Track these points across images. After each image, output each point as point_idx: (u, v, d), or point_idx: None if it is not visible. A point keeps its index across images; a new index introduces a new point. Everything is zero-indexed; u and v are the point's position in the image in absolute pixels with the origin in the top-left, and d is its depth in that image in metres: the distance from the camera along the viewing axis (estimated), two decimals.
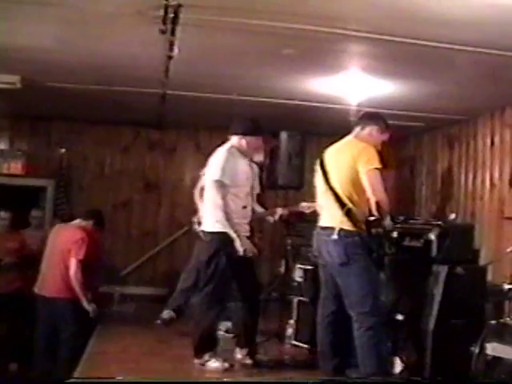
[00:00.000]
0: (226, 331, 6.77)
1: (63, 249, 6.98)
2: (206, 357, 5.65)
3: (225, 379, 5.47)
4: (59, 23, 5.42)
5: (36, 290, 7.09)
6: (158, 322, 7.03)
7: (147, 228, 10.44)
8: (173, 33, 5.17)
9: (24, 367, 7.75)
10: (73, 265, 6.86)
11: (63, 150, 10.16)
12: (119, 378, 4.95)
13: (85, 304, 6.88)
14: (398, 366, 5.62)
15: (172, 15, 4.79)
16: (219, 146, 6.05)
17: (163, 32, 5.03)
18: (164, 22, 4.89)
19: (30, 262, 8.26)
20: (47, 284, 7.05)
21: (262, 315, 6.18)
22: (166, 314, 7.07)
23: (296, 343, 6.79)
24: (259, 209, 6.24)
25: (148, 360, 5.99)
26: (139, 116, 9.64)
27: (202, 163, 6.30)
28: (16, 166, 9.88)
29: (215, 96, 7.69)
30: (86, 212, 7.69)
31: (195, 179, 6.86)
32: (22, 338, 7.87)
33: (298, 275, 6.96)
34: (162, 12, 4.77)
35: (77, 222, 7.38)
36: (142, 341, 6.83)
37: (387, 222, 5.37)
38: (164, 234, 10.48)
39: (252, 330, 6.02)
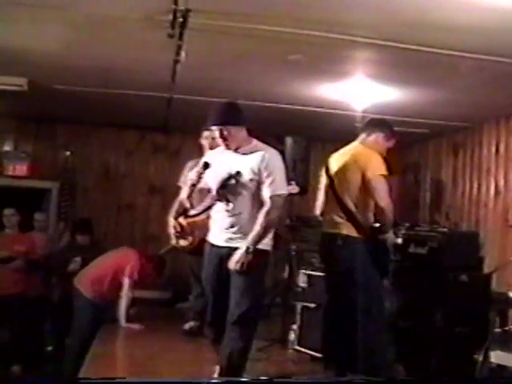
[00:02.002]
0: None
1: None
2: None
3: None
4: (67, 27, 5.43)
5: None
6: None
7: (151, 231, 10.43)
8: (180, 37, 5.19)
9: (27, 370, 7.76)
10: None
11: (68, 153, 10.16)
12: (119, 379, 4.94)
13: None
14: (402, 373, 5.62)
15: (181, 20, 4.81)
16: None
17: (171, 36, 5.05)
18: (172, 27, 4.90)
19: (35, 264, 8.29)
20: None
21: (265, 320, 6.17)
22: (187, 325, 7.12)
23: (299, 348, 6.79)
24: None
25: (151, 363, 5.98)
26: (144, 119, 9.65)
27: None
28: (21, 168, 9.89)
29: (221, 101, 7.67)
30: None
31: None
32: (25, 340, 7.88)
33: (301, 281, 6.96)
34: (170, 16, 4.78)
35: None
36: (146, 344, 6.83)
37: (390, 235, 5.39)
38: (168, 238, 10.45)
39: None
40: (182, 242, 6.94)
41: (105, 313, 7.43)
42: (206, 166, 5.15)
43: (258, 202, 4.97)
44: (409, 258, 6.09)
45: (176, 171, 10.51)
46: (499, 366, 5.00)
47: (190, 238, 6.86)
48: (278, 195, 4.95)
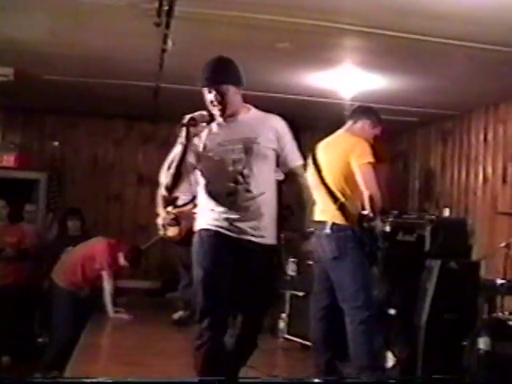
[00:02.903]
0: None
1: None
2: None
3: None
4: (53, 15, 5.41)
5: None
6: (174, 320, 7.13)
7: (140, 221, 10.41)
8: (167, 26, 5.17)
9: (17, 361, 7.75)
10: None
11: (56, 143, 10.14)
12: (118, 379, 4.94)
13: None
14: (390, 361, 5.63)
15: (166, 8, 4.79)
16: None
17: (158, 25, 5.03)
18: (159, 15, 4.88)
19: (25, 255, 8.28)
20: None
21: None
22: (177, 315, 7.11)
23: (288, 337, 6.79)
24: None
25: (140, 353, 5.98)
26: (132, 109, 9.62)
27: None
28: (8, 159, 9.85)
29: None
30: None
31: None
32: (16, 331, 7.88)
33: (290, 269, 6.96)
34: (156, 5, 4.77)
35: None
36: (135, 334, 6.83)
37: (378, 223, 5.39)
38: (157, 228, 10.44)
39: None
40: (170, 233, 6.96)
41: (85, 303, 7.38)
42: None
43: (274, 180, 4.24)
44: (397, 246, 6.08)
45: (165, 161, 10.48)
46: (487, 352, 5.02)
47: (178, 229, 6.87)
48: (302, 165, 4.34)
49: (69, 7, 5.14)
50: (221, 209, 4.04)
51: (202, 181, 4.17)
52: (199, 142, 4.10)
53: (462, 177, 8.58)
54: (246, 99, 4.22)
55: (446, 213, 7.44)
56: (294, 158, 4.21)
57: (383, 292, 5.87)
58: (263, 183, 4.09)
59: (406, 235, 6.11)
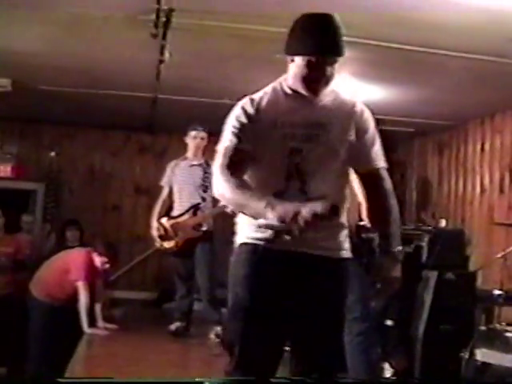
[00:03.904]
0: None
1: None
2: None
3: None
4: (50, 27, 5.41)
5: None
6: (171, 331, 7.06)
7: (137, 232, 10.38)
8: (164, 37, 5.18)
9: (13, 372, 7.71)
10: None
11: (53, 154, 10.13)
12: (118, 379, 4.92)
13: None
14: (388, 372, 5.62)
15: (164, 19, 4.80)
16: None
17: (155, 36, 5.03)
18: (156, 26, 4.89)
19: (22, 266, 8.25)
20: None
21: None
22: (173, 326, 7.06)
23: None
24: None
25: (136, 364, 5.95)
26: (130, 120, 9.62)
27: None
28: (5, 169, 9.85)
29: (206, 100, 7.68)
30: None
31: None
32: (11, 343, 7.84)
33: None
34: (153, 16, 4.77)
35: None
36: (132, 345, 6.80)
37: (375, 234, 5.39)
38: (153, 239, 10.43)
39: None
40: (166, 244, 6.95)
41: (63, 316, 7.21)
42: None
43: (346, 180, 3.31)
44: None
45: (162, 171, 10.48)
46: (484, 363, 5.01)
47: (175, 240, 6.85)
48: (385, 168, 3.33)
49: (66, 18, 5.15)
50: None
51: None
52: (256, 116, 3.16)
53: (459, 187, 8.58)
54: None
55: (443, 223, 7.46)
56: (378, 158, 3.28)
57: (381, 303, 5.87)
58: (326, 184, 3.11)
59: (403, 246, 6.11)
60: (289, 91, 3.24)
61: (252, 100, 3.23)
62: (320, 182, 3.10)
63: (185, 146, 7.39)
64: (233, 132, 3.16)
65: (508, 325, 5.30)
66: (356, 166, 3.27)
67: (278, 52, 5.69)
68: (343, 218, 3.22)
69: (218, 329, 6.66)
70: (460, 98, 7.15)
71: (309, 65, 3.08)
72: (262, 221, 2.99)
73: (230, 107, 3.22)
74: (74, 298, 7.04)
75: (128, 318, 8.06)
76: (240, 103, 3.22)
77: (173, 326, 7.02)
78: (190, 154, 7.19)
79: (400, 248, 3.42)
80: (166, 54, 5.64)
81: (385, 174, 3.31)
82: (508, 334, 5.03)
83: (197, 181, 6.97)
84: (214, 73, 6.66)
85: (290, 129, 3.11)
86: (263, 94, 3.26)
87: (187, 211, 6.91)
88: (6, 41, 5.81)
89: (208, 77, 6.81)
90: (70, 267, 7.03)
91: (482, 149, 8.07)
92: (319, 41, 3.10)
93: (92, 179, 10.50)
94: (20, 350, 7.36)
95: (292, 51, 3.20)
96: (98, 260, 7.06)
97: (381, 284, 3.74)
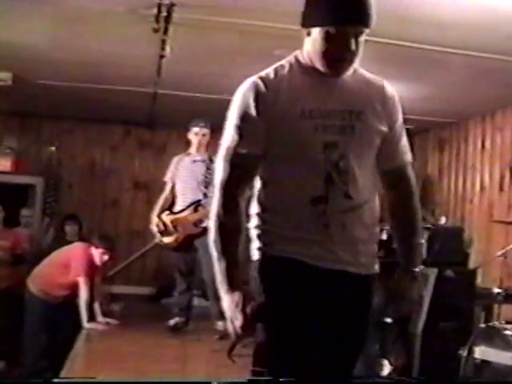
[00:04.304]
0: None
1: None
2: None
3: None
4: (51, 21, 5.40)
5: None
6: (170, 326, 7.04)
7: (136, 227, 10.39)
8: (165, 32, 5.16)
9: (12, 365, 7.71)
10: None
11: (53, 148, 10.12)
12: (118, 379, 4.91)
13: None
14: (386, 369, 5.62)
15: (165, 14, 4.78)
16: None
17: (156, 31, 5.02)
18: (157, 21, 4.87)
19: (20, 260, 8.25)
20: None
21: None
22: (172, 321, 7.05)
23: None
24: None
25: (135, 360, 5.95)
26: (130, 115, 9.62)
27: None
28: (5, 164, 9.84)
29: (207, 96, 7.67)
30: None
31: None
32: (10, 336, 7.84)
33: None
34: (154, 11, 4.76)
35: None
36: (130, 340, 6.80)
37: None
38: (152, 234, 10.41)
39: None
40: (166, 240, 6.94)
41: (59, 312, 7.21)
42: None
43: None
44: (393, 254, 6.07)
45: (161, 167, 10.47)
46: (484, 361, 5.00)
47: (174, 236, 6.84)
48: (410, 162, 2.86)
49: (67, 13, 5.13)
50: (300, 225, 2.55)
51: (266, 175, 2.62)
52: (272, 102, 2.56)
53: (459, 185, 8.57)
54: None
55: (443, 221, 7.45)
56: (406, 150, 2.84)
57: (380, 300, 5.86)
58: (366, 186, 2.62)
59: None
60: (310, 71, 2.63)
61: (264, 80, 2.60)
62: (361, 184, 2.59)
63: (184, 142, 7.39)
64: (240, 127, 2.56)
65: (507, 323, 5.28)
66: (382, 163, 2.74)
67: (278, 47, 5.73)
68: (372, 227, 2.73)
69: (220, 323, 6.64)
70: (460, 95, 7.14)
71: (328, 37, 2.53)
72: (290, 231, 2.56)
73: (229, 103, 2.75)
74: (70, 295, 7.05)
75: (127, 313, 8.04)
76: (247, 84, 2.63)
77: (172, 321, 7.02)
78: (193, 149, 7.18)
79: (421, 268, 2.98)
80: (167, 49, 5.62)
81: (411, 172, 2.82)
82: (507, 332, 5.01)
83: (199, 177, 6.96)
84: (215, 68, 6.65)
85: (321, 119, 2.53)
86: (277, 73, 2.65)
87: (188, 207, 6.90)
88: (6, 34, 5.80)
89: (208, 72, 6.80)
90: (70, 263, 7.02)
91: (483, 146, 8.06)
92: (340, 8, 2.54)
93: (91, 174, 10.49)
94: (18, 344, 7.36)
95: (308, 22, 2.61)
96: (97, 254, 7.06)
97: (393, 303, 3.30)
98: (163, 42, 5.48)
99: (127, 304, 8.80)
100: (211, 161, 6.66)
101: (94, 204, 10.30)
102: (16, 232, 8.75)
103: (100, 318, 7.13)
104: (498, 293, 5.68)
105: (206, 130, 7.09)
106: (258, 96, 2.56)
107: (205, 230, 6.88)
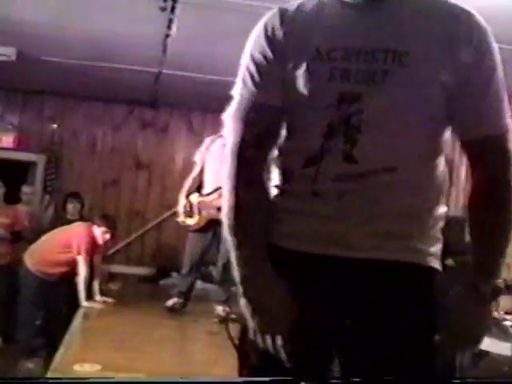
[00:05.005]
0: None
1: None
2: None
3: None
4: None
5: None
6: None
7: (136, 207, 10.38)
8: (172, 11, 5.12)
9: (9, 342, 7.72)
10: None
11: (55, 126, 10.09)
12: (118, 379, 4.90)
13: None
14: None
15: None
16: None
17: (163, 9, 4.98)
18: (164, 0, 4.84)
19: (19, 238, 8.24)
20: None
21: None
22: (171, 302, 7.03)
23: None
24: None
25: (133, 339, 5.95)
26: (133, 94, 9.57)
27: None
28: (7, 140, 9.81)
29: (212, 77, 7.62)
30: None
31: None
32: (9, 314, 7.84)
33: None
34: None
35: None
36: (128, 320, 6.80)
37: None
38: (153, 214, 10.42)
39: None
40: (189, 221, 6.86)
41: (56, 290, 7.22)
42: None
43: (438, 149, 1.99)
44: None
45: (164, 147, 10.47)
46: (482, 351, 5.00)
47: (197, 218, 6.77)
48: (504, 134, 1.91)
49: None
50: (291, 193, 2.00)
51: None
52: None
53: (461, 174, 8.55)
54: None
55: (444, 210, 7.43)
56: (495, 116, 1.91)
57: None
58: (396, 149, 1.87)
59: None
60: None
61: (282, 12, 2.03)
62: (382, 147, 1.86)
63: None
64: (254, 74, 2.00)
65: (506, 313, 5.28)
66: (460, 129, 1.96)
67: None
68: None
69: (220, 308, 6.64)
70: None
71: None
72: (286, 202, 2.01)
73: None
74: (66, 273, 7.05)
75: (124, 292, 8.04)
76: (265, 17, 2.09)
77: (170, 302, 7.00)
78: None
79: (501, 280, 2.06)
80: (173, 29, 5.58)
81: (505, 146, 1.91)
82: (506, 323, 5.01)
83: None
84: (221, 50, 6.60)
85: (342, 61, 1.86)
86: (301, 3, 2.02)
87: (216, 191, 6.78)
88: (12, 10, 5.76)
89: (214, 53, 6.75)
90: (71, 242, 7.01)
91: None
92: None
93: (93, 152, 10.46)
94: (15, 321, 7.38)
95: None
96: (98, 233, 7.05)
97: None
98: (170, 21, 5.44)
99: (125, 284, 8.81)
100: None
101: (94, 182, 10.28)
102: (15, 209, 8.75)
103: (98, 297, 7.12)
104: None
105: None
106: (275, 30, 1.99)
107: None
